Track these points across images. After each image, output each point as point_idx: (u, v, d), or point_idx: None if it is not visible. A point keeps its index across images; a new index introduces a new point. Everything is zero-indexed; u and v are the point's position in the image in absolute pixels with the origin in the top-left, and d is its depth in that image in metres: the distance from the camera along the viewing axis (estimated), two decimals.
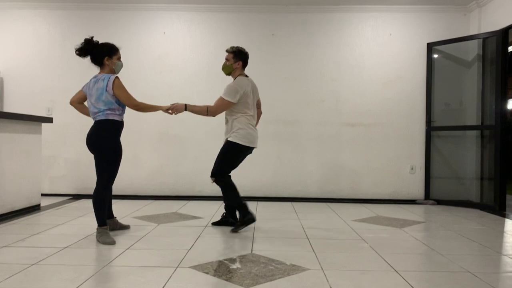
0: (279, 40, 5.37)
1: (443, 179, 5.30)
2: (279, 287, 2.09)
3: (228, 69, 3.52)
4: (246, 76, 3.55)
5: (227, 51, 3.54)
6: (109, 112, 3.04)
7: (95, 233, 3.12)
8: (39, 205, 4.41)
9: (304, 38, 5.37)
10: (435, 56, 5.31)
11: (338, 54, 5.36)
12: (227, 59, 3.51)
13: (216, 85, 5.30)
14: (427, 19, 5.33)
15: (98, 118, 3.08)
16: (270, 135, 5.32)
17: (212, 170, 3.45)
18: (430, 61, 5.27)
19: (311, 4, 5.29)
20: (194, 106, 3.39)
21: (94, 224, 3.57)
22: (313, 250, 2.82)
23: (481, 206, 4.85)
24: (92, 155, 3.22)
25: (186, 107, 3.32)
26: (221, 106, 3.40)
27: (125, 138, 5.34)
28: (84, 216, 4.00)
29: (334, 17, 5.37)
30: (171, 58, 5.40)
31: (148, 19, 5.41)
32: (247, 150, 3.47)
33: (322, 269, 2.40)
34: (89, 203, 4.81)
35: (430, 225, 3.87)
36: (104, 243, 2.93)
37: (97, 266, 2.39)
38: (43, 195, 5.04)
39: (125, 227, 3.46)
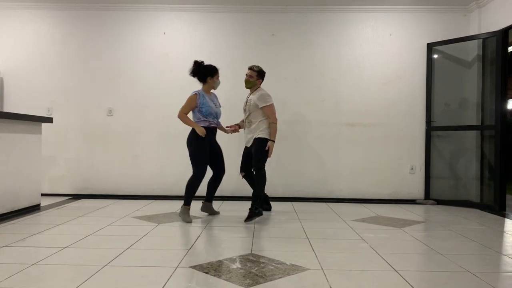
0: (279, 40, 5.37)
1: (443, 179, 5.30)
2: (279, 287, 2.09)
3: (250, 84, 4.18)
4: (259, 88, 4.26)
5: (250, 68, 4.17)
6: (195, 121, 3.92)
7: (94, 233, 3.12)
8: (39, 205, 4.41)
9: (304, 38, 5.37)
10: (435, 56, 5.31)
11: (338, 54, 5.36)
12: (250, 76, 4.15)
13: None
14: (427, 19, 5.33)
15: None
16: None
17: (254, 166, 4.02)
18: (430, 61, 5.27)
19: (311, 5, 5.29)
20: (272, 134, 4.03)
21: (94, 224, 3.60)
22: (313, 250, 2.82)
23: (481, 206, 4.85)
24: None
25: (273, 141, 4.04)
26: (272, 110, 4.08)
27: (125, 138, 5.39)
28: (84, 216, 4.00)
29: (334, 18, 5.37)
30: (171, 58, 5.41)
31: (148, 19, 5.41)
32: None
33: (322, 269, 2.40)
34: (89, 202, 4.83)
35: (430, 225, 3.87)
36: (184, 220, 3.77)
37: (97, 266, 2.39)
38: (43, 195, 5.05)
39: (216, 213, 4.20)
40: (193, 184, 3.86)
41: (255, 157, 4.01)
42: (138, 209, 4.45)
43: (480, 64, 5.05)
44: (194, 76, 4.00)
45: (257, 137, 4.03)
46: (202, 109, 3.89)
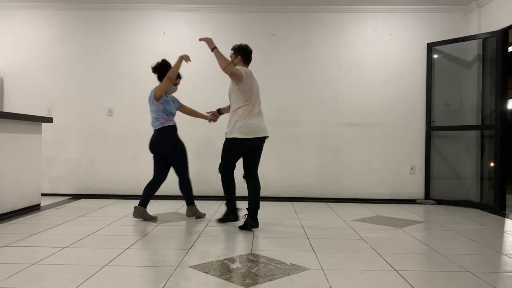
0: (279, 40, 5.37)
1: (443, 179, 5.30)
2: (279, 287, 2.09)
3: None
4: None
5: (231, 49, 3.70)
6: (160, 122, 3.74)
7: (94, 233, 3.12)
8: (39, 205, 4.41)
9: (304, 38, 5.37)
10: (435, 56, 5.31)
11: (338, 54, 5.36)
12: (230, 56, 3.66)
13: (216, 85, 5.32)
14: (427, 19, 5.33)
15: (157, 127, 3.77)
16: (270, 135, 5.31)
17: (219, 169, 3.66)
18: (430, 61, 5.27)
19: (311, 4, 5.29)
20: (221, 54, 3.47)
21: (94, 224, 3.60)
22: (313, 250, 2.82)
23: (481, 206, 4.85)
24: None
25: (215, 48, 3.49)
26: (235, 71, 3.40)
27: (125, 138, 5.39)
28: (84, 216, 3.99)
29: (335, 18, 5.37)
30: (171, 58, 5.36)
31: (148, 19, 5.41)
32: (250, 142, 3.46)
33: (322, 268, 2.40)
34: (89, 202, 4.82)
35: (430, 225, 3.87)
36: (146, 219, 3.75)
37: (97, 266, 2.39)
38: (43, 195, 5.04)
39: (202, 216, 3.94)
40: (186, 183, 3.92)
41: (221, 157, 3.62)
42: None
43: (480, 64, 5.05)
44: (154, 72, 3.84)
45: (227, 136, 3.53)
46: (166, 107, 3.74)
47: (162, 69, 3.78)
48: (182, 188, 3.91)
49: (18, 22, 5.42)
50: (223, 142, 3.64)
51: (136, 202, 4.88)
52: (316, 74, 5.36)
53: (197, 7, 5.35)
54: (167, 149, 3.78)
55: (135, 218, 3.80)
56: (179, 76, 3.83)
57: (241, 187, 4.79)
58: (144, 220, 3.78)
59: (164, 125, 3.73)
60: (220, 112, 3.99)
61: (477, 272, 2.38)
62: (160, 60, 3.83)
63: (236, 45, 3.69)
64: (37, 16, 5.41)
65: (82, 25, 5.42)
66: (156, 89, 3.72)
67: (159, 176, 3.87)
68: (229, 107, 3.77)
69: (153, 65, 3.80)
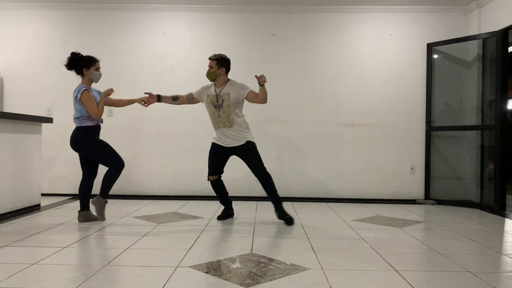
0: (279, 40, 5.37)
1: (443, 179, 5.30)
2: (279, 287, 2.09)
3: (212, 76, 3.69)
4: (229, 80, 3.79)
5: (210, 58, 3.70)
6: (80, 119, 3.59)
7: (94, 233, 3.13)
8: (39, 205, 4.41)
9: (304, 38, 5.37)
10: (435, 56, 5.31)
11: (338, 54, 5.36)
12: (210, 66, 3.68)
13: None
14: (427, 19, 5.33)
15: (76, 124, 3.63)
16: (270, 135, 5.32)
17: (260, 171, 3.76)
18: (430, 61, 5.27)
19: (311, 5, 5.29)
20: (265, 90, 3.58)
21: (94, 224, 3.60)
22: (313, 250, 2.82)
23: (481, 206, 4.85)
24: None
25: (263, 85, 3.53)
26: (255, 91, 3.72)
27: (125, 138, 5.39)
28: None
29: (334, 18, 5.37)
30: (171, 58, 5.41)
31: (148, 19, 5.41)
32: None
33: (322, 268, 2.40)
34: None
35: (430, 225, 3.87)
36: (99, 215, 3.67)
37: (97, 266, 2.39)
38: (43, 195, 5.05)
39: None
40: (116, 176, 3.67)
41: (257, 159, 3.74)
42: (138, 209, 4.45)
43: (480, 64, 5.05)
44: (70, 69, 3.62)
45: (249, 140, 3.74)
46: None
47: (76, 62, 3.59)
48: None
49: (18, 22, 5.42)
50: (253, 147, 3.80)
51: (136, 202, 4.91)
52: (316, 74, 5.36)
53: (197, 7, 5.35)
54: (84, 151, 3.64)
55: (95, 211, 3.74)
56: (97, 60, 3.66)
57: (239, 188, 4.82)
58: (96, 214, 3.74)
59: (82, 125, 3.57)
60: (159, 98, 3.84)
61: (477, 272, 2.38)
62: (70, 56, 3.61)
63: (218, 56, 3.69)
64: (37, 16, 5.42)
65: (82, 24, 5.42)
66: (88, 108, 3.52)
67: (86, 175, 3.73)
68: (172, 98, 3.89)
69: (65, 63, 3.60)
